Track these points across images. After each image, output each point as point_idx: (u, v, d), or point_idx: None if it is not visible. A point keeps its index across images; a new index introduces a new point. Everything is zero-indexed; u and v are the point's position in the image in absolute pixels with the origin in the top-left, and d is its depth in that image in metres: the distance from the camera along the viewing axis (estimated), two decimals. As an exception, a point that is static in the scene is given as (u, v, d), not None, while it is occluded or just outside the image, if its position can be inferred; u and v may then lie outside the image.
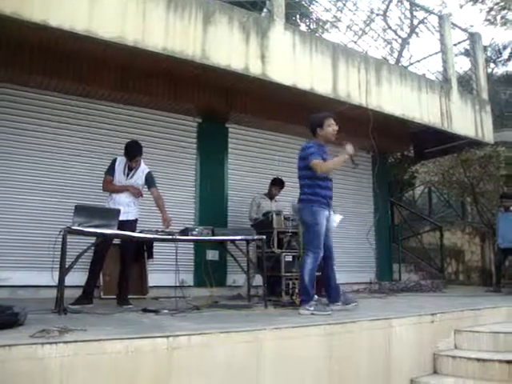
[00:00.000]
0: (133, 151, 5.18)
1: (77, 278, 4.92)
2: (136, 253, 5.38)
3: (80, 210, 4.37)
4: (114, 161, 5.27)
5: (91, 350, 2.62)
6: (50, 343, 2.52)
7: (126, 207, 5.10)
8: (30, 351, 2.46)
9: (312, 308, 4.29)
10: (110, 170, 5.24)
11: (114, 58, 5.60)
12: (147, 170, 5.34)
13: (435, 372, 4.27)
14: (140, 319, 3.87)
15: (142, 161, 5.30)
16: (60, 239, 4.09)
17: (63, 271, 4.12)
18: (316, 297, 4.61)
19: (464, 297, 6.71)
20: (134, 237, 4.85)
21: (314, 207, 4.49)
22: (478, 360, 4.12)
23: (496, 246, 8.55)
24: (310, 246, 4.49)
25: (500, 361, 4.04)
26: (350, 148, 4.50)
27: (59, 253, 4.07)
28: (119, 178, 5.21)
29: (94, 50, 5.34)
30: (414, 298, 6.65)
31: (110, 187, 5.23)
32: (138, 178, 5.26)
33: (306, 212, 4.53)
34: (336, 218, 4.81)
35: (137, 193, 5.25)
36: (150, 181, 5.31)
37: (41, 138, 6.00)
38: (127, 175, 5.22)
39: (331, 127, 4.61)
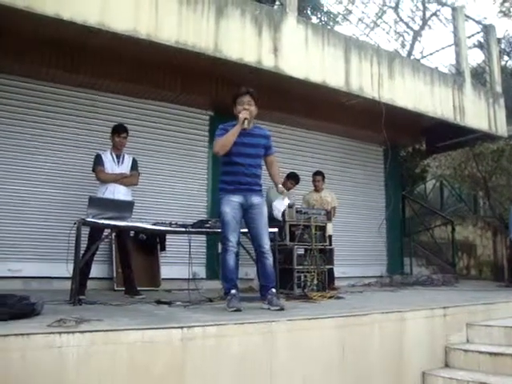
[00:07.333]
0: (122, 126, 5.34)
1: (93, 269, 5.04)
2: (149, 245, 5.41)
3: (94, 202, 4.42)
4: (98, 155, 5.27)
5: (107, 340, 2.66)
6: (68, 332, 2.56)
7: (126, 196, 5.15)
8: (48, 340, 2.49)
9: (226, 303, 3.93)
10: (100, 161, 5.20)
11: (126, 51, 5.60)
12: (132, 156, 5.42)
13: (447, 365, 4.26)
14: (154, 310, 3.90)
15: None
16: (74, 231, 4.15)
17: (78, 263, 4.18)
18: (233, 291, 3.99)
19: (476, 291, 6.68)
20: (147, 229, 4.89)
21: (220, 195, 4.14)
22: (490, 354, 4.11)
23: (508, 240, 8.49)
24: (221, 236, 4.14)
25: (512, 355, 4.04)
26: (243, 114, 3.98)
27: (74, 245, 4.12)
28: (111, 167, 5.22)
29: (105, 42, 5.34)
30: (426, 291, 6.62)
31: (108, 176, 5.17)
32: (127, 164, 5.32)
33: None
34: (278, 205, 4.53)
35: (133, 180, 5.30)
36: (135, 165, 5.38)
37: (55, 131, 6.04)
38: (117, 163, 5.27)
39: (240, 105, 4.06)
